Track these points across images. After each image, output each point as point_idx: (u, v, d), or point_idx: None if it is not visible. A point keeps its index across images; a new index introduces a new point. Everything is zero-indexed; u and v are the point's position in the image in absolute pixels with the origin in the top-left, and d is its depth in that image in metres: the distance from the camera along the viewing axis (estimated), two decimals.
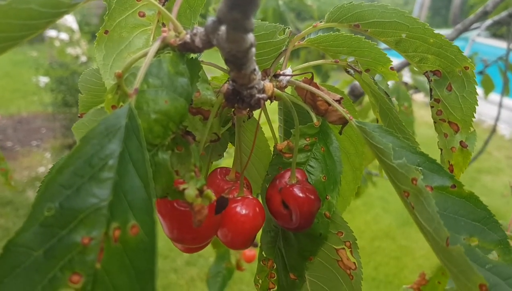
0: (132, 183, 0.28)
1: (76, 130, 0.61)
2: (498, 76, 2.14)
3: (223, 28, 0.30)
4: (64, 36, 4.37)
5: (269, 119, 0.46)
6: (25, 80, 5.64)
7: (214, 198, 0.35)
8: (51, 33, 4.33)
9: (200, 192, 0.34)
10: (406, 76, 1.76)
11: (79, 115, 0.62)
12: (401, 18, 0.43)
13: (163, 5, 0.44)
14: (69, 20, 4.38)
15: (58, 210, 0.28)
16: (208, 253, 2.74)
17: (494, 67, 2.21)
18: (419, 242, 3.30)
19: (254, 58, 0.33)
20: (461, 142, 0.46)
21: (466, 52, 1.80)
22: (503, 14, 1.53)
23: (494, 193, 3.97)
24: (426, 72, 0.45)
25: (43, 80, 4.51)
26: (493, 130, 2.13)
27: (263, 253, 0.54)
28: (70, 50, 4.34)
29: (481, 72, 2.15)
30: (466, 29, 1.33)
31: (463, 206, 0.38)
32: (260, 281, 0.54)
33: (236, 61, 0.32)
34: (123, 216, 0.27)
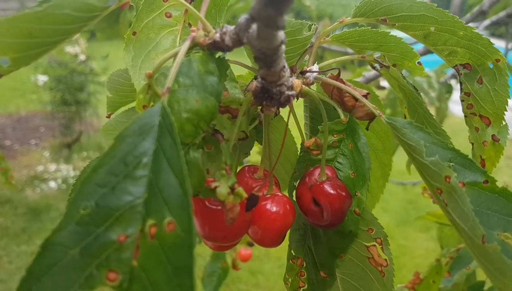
0: (167, 180, 0.28)
1: (104, 131, 0.62)
2: None
3: (254, 26, 0.30)
4: None
5: (296, 117, 0.46)
6: (24, 79, 5.60)
7: (245, 195, 0.35)
8: None
9: (232, 189, 0.34)
10: None
11: (107, 115, 0.63)
12: (429, 11, 0.42)
13: (191, 2, 0.44)
14: None
15: (94, 208, 0.28)
16: (206, 253, 2.78)
17: None
18: (417, 242, 3.28)
19: (283, 55, 0.33)
20: (493, 136, 0.45)
21: None
22: (501, 14, 1.50)
23: None
24: (456, 65, 0.44)
25: (42, 79, 4.53)
26: None
27: (292, 251, 0.54)
28: (69, 49, 4.35)
29: None
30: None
31: (496, 201, 0.38)
32: (290, 280, 0.54)
33: (266, 59, 0.32)
34: (159, 213, 0.27)
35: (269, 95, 0.37)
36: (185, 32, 0.46)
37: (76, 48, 4.40)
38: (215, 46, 0.34)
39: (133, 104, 0.61)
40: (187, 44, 0.34)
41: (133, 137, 0.30)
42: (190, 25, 0.47)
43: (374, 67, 0.50)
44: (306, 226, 0.51)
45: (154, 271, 0.27)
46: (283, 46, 0.32)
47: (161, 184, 0.28)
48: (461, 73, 0.44)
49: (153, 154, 0.29)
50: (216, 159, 0.37)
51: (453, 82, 1.77)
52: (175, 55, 0.35)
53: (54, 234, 0.28)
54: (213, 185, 0.34)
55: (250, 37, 0.31)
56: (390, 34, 0.47)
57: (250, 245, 1.68)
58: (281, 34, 0.30)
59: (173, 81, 0.33)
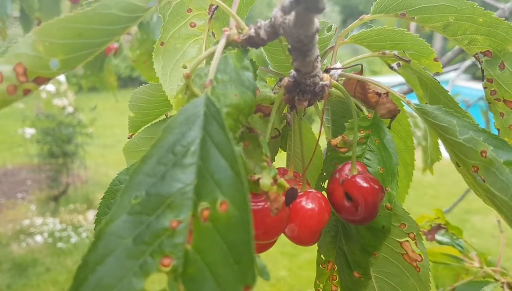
0: (217, 163, 0.29)
1: (126, 150, 0.62)
2: (480, 116, 2.18)
3: (289, 17, 0.32)
4: (50, 87, 4.39)
5: (323, 116, 0.47)
6: (11, 133, 5.59)
7: (287, 186, 0.35)
8: None
9: (274, 180, 0.35)
10: None
11: (128, 136, 0.64)
12: (448, 1, 0.44)
13: (213, 12, 0.46)
14: None
15: (145, 197, 0.29)
16: None
17: (476, 107, 2.27)
18: None
19: (317, 45, 0.35)
20: None
21: None
22: None
23: (484, 233, 3.89)
24: (476, 54, 0.46)
25: (29, 131, 4.53)
26: None
27: (321, 256, 0.53)
28: (57, 102, 4.37)
29: None
30: (444, 65, 1.33)
31: None
32: (321, 285, 0.54)
33: (302, 47, 0.33)
34: (211, 195, 0.28)
35: (301, 89, 0.38)
36: (209, 40, 0.48)
37: (64, 100, 4.42)
38: (250, 42, 0.36)
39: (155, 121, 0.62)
40: (222, 42, 0.36)
41: (180, 128, 0.31)
42: (213, 34, 0.48)
43: (391, 67, 0.52)
44: (337, 226, 0.52)
45: (209, 252, 0.27)
46: (317, 36, 0.33)
47: (211, 169, 0.29)
48: (482, 61, 0.46)
49: (201, 142, 0.30)
50: (254, 155, 0.38)
51: None
52: (210, 55, 0.36)
53: (107, 225, 0.28)
54: (256, 176, 0.35)
55: (287, 26, 0.32)
56: (407, 32, 0.49)
57: None
58: (316, 22, 0.31)
59: (213, 76, 0.34)
